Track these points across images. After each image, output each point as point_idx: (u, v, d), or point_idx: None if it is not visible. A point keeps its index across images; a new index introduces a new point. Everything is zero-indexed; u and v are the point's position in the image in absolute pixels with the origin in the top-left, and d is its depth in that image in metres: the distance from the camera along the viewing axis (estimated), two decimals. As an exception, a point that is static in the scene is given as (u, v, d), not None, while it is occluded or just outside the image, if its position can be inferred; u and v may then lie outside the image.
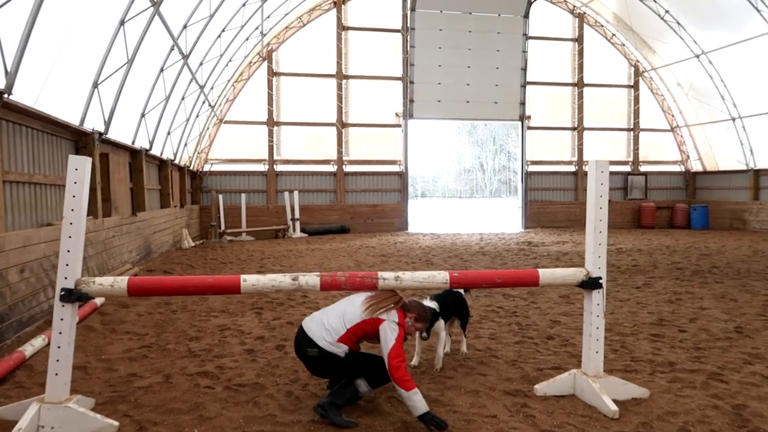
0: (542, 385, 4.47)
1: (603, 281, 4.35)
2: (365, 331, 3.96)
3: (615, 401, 4.11)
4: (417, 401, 3.73)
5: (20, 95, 6.63)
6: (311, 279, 4.15)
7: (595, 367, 4.36)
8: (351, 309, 4.02)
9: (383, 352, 3.86)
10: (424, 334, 4.68)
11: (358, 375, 3.97)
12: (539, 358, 5.37)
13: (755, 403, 4.19)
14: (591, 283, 4.35)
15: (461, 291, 5.45)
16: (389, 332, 3.87)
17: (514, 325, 6.67)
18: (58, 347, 3.81)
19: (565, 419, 3.95)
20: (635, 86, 23.56)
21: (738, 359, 5.29)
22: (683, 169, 24.19)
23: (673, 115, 23.74)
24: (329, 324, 3.95)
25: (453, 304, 5.29)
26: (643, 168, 23.90)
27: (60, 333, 3.82)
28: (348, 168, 21.76)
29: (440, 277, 4.27)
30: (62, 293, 3.81)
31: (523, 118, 22.54)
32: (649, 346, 5.75)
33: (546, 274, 4.42)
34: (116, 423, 3.79)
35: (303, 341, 3.99)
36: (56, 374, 3.81)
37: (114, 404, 4.23)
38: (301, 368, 5.05)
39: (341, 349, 3.91)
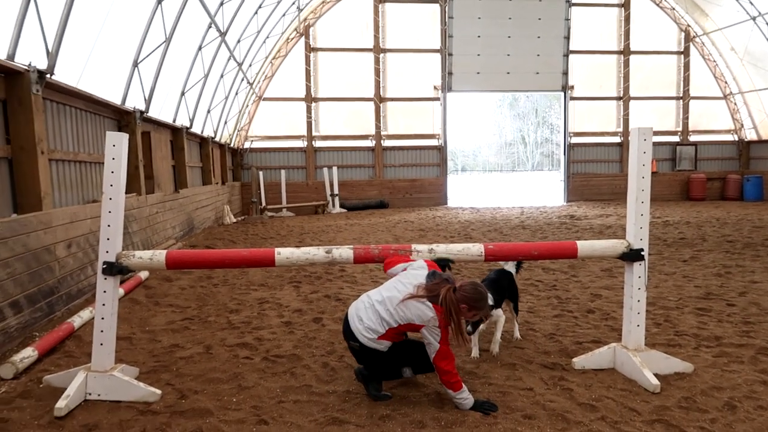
0: (580, 359, 4.38)
1: (645, 253, 4.20)
2: (405, 332, 3.76)
3: (656, 375, 3.99)
4: (464, 399, 3.61)
5: (62, 75, 6.80)
6: (344, 252, 4.15)
7: (635, 341, 4.24)
8: (391, 308, 3.67)
9: (430, 356, 3.65)
10: (469, 328, 4.33)
11: (402, 365, 3.83)
12: (578, 332, 5.27)
13: (808, 379, 4.01)
14: (632, 255, 4.21)
15: (512, 272, 5.12)
16: (431, 337, 3.58)
17: (554, 299, 6.55)
18: (102, 318, 3.94)
19: (604, 393, 3.87)
20: (685, 52, 22.49)
21: (790, 334, 5.06)
22: (736, 138, 23.10)
23: (725, 82, 22.61)
24: (370, 322, 3.69)
25: (507, 286, 4.94)
26: (692, 138, 22.95)
27: (103, 305, 3.94)
28: (386, 143, 21.66)
29: (475, 249, 4.20)
30: (104, 266, 3.92)
31: (565, 88, 21.89)
32: (694, 320, 5.56)
33: (585, 246, 4.30)
34: (159, 391, 3.90)
35: (346, 332, 3.83)
36: (101, 344, 3.94)
37: (157, 373, 4.36)
38: (338, 340, 5.11)
39: (383, 345, 3.71)
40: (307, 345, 5.01)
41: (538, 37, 21.26)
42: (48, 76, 6.19)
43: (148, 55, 9.56)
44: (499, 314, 4.70)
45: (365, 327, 3.70)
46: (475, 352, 4.64)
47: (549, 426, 3.41)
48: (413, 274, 3.79)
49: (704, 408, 3.61)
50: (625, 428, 3.36)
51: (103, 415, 3.62)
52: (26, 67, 5.85)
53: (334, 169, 20.02)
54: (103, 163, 8.21)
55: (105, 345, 3.95)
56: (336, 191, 19.95)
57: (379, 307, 3.71)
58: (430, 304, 3.55)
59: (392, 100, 21.62)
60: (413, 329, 3.66)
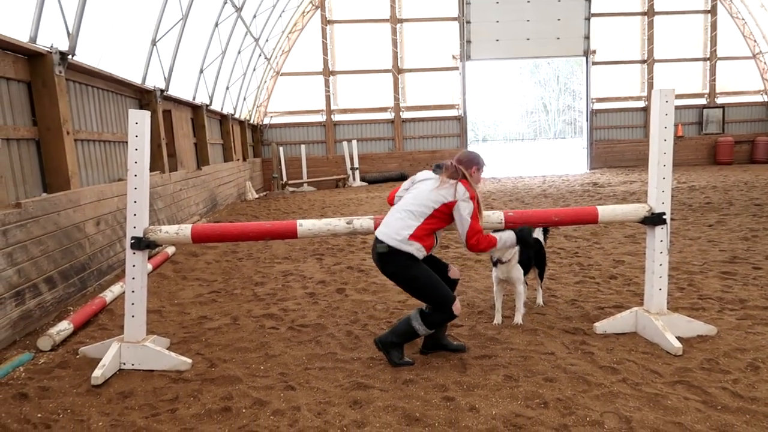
0: (602, 323, 4.40)
1: (666, 217, 4.17)
2: (440, 219, 3.84)
3: (679, 339, 4.00)
4: (507, 239, 3.93)
5: (84, 56, 6.90)
6: (365, 222, 4.20)
7: (658, 305, 4.24)
8: (422, 200, 3.82)
9: (461, 236, 3.80)
10: (495, 255, 4.48)
11: (422, 295, 3.84)
12: (600, 297, 5.28)
13: (834, 340, 3.97)
14: (654, 219, 4.18)
15: (540, 238, 5.00)
16: (464, 212, 3.76)
17: (575, 266, 6.55)
18: (132, 291, 4.07)
19: (626, 356, 3.90)
20: (713, 11, 21.76)
21: (817, 296, 5.00)
22: (766, 99, 22.43)
23: (755, 41, 21.86)
24: (402, 222, 3.79)
25: (534, 253, 4.85)
26: (720, 100, 22.34)
27: (133, 278, 4.07)
28: (405, 114, 21.53)
29: (495, 216, 4.22)
30: (132, 241, 4.04)
31: (587, 53, 21.42)
32: (719, 284, 5.52)
33: (606, 210, 4.28)
34: (189, 360, 4.04)
35: (375, 243, 3.87)
36: (132, 316, 4.09)
37: (187, 344, 4.50)
38: (361, 309, 5.20)
39: (413, 247, 3.76)
40: (330, 315, 5.12)
41: (559, 0, 20.76)
42: (70, 57, 6.28)
43: (165, 34, 9.61)
44: (521, 279, 4.63)
45: (397, 228, 3.79)
46: (497, 319, 4.69)
47: (570, 388, 3.45)
48: (425, 179, 3.98)
49: (727, 369, 3.62)
50: (646, 389, 3.39)
51: (138, 383, 3.77)
52: (48, 49, 5.95)
53: (354, 142, 20.02)
54: (126, 142, 8.37)
55: (136, 317, 4.09)
56: (356, 165, 19.99)
57: (410, 206, 3.84)
58: (455, 180, 3.83)
59: (410, 71, 21.41)
60: (446, 211, 3.81)
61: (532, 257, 4.87)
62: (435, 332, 3.99)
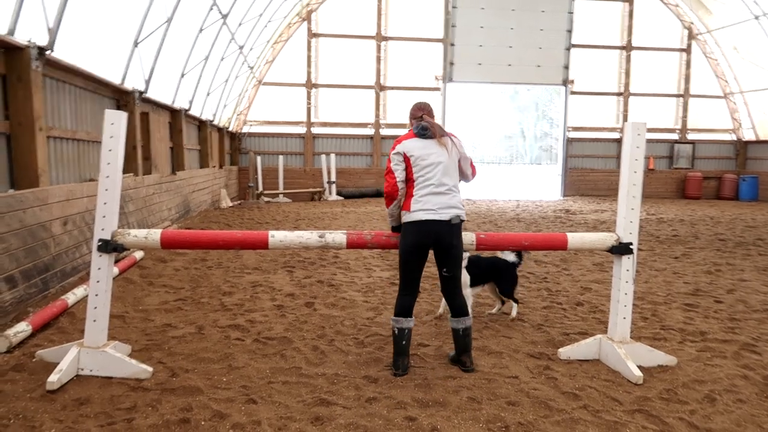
0: (566, 349, 4.45)
1: (634, 247, 4.26)
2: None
3: (640, 367, 4.07)
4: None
5: (63, 53, 6.80)
6: (338, 236, 4.20)
7: (621, 333, 4.30)
8: (452, 173, 4.13)
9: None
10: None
11: (459, 264, 4.23)
12: (566, 323, 5.34)
13: (788, 376, 4.08)
14: (621, 249, 4.27)
15: (508, 260, 5.50)
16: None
17: (544, 291, 6.62)
18: (96, 295, 3.99)
19: (587, 383, 3.94)
20: (688, 50, 22.48)
21: (774, 332, 5.14)
22: (734, 138, 23.15)
23: (726, 81, 22.59)
24: (455, 196, 4.10)
25: (488, 269, 5.41)
26: (690, 136, 22.98)
27: (98, 281, 3.99)
28: (385, 131, 21.63)
29: (467, 238, 4.26)
30: (99, 243, 3.97)
31: (566, 82, 21.88)
32: (681, 316, 5.64)
33: (575, 238, 4.36)
34: (150, 368, 3.96)
35: (431, 226, 4.02)
36: (94, 320, 3.99)
37: (149, 351, 4.42)
38: (329, 324, 5.17)
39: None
40: (298, 328, 5.08)
41: (541, 29, 21.23)
42: (48, 52, 6.19)
43: (148, 35, 9.54)
44: (466, 285, 5.03)
45: (455, 203, 4.08)
46: (441, 310, 5.43)
47: (532, 412, 3.48)
48: (427, 153, 4.08)
49: (685, 400, 3.69)
50: (606, 417, 3.43)
51: (95, 390, 3.68)
52: (26, 43, 5.85)
53: (332, 156, 20.02)
54: (100, 143, 8.25)
55: (98, 321, 4.00)
56: (333, 178, 19.97)
57: (449, 181, 4.09)
58: (448, 137, 4.17)
59: (393, 88, 21.58)
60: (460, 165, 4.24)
61: (486, 273, 5.39)
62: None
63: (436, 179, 4.03)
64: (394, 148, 4.12)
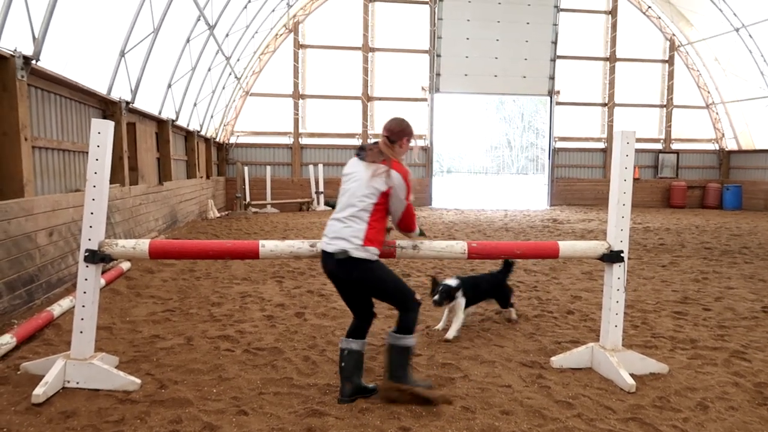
0: (559, 358, 4.45)
1: (624, 255, 4.28)
2: (384, 208, 3.67)
3: (632, 375, 4.06)
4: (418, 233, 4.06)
5: (49, 63, 6.73)
6: (329, 246, 4.16)
7: (613, 341, 4.31)
8: (358, 200, 3.60)
9: (395, 217, 3.76)
10: (437, 297, 4.91)
11: (388, 296, 3.73)
12: (558, 332, 5.34)
13: (778, 382, 4.11)
14: (612, 257, 4.28)
15: (503, 276, 5.63)
16: (400, 194, 3.67)
17: (534, 300, 6.63)
18: (83, 306, 3.91)
19: (580, 391, 3.94)
20: (670, 61, 22.83)
21: (763, 338, 5.18)
22: (717, 148, 23.49)
23: (708, 92, 22.98)
24: (349, 229, 3.57)
25: (489, 288, 5.49)
26: (675, 146, 23.29)
27: (84, 292, 3.92)
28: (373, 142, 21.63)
29: (458, 247, 4.25)
30: (86, 254, 3.90)
31: (552, 93, 22.09)
32: (671, 323, 5.66)
33: (566, 246, 4.37)
34: (138, 380, 3.89)
35: (324, 255, 3.67)
36: (81, 332, 3.92)
37: (137, 363, 4.34)
38: (319, 334, 5.12)
39: (370, 252, 3.56)
40: (288, 339, 5.02)
41: (526, 41, 21.44)
42: (33, 62, 6.13)
43: (135, 46, 9.49)
44: (461, 307, 5.08)
45: (347, 235, 3.56)
46: (441, 324, 5.27)
47: (526, 422, 3.46)
48: (352, 172, 3.74)
49: (677, 408, 3.69)
50: (600, 425, 3.42)
51: (82, 402, 3.60)
52: (11, 53, 5.79)
53: (320, 166, 19.98)
54: (87, 153, 8.15)
55: (85, 333, 3.92)
56: (321, 189, 19.92)
57: (351, 209, 3.61)
58: (386, 166, 3.64)
59: (380, 99, 21.65)
60: (386, 199, 3.65)
61: (485, 292, 5.49)
62: (398, 374, 3.71)
63: (341, 203, 3.69)
64: None
